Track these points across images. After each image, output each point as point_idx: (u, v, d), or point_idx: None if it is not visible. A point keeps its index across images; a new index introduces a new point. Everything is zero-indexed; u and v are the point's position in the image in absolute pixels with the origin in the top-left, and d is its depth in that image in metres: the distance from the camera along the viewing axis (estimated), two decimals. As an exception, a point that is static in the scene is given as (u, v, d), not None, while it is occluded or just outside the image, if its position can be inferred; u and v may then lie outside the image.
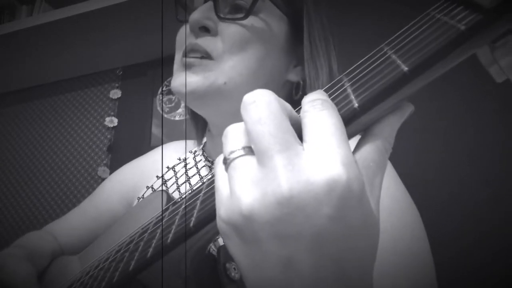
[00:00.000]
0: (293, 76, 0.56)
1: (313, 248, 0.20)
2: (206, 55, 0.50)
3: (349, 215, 0.20)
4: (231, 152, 0.23)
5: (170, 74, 0.54)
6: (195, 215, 0.28)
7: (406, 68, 0.20)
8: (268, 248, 0.21)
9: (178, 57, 0.54)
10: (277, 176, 0.20)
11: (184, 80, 0.50)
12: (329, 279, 0.21)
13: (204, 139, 0.67)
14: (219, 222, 0.23)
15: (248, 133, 0.22)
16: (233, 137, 0.24)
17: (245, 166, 0.22)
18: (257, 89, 0.23)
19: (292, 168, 0.20)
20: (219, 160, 0.25)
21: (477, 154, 1.10)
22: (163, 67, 1.60)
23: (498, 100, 1.08)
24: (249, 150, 0.23)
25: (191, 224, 0.27)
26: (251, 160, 0.22)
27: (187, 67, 0.50)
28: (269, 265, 0.21)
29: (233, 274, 0.33)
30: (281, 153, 0.21)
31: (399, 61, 0.21)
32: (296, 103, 0.57)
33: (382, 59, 0.23)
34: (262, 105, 0.22)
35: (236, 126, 0.24)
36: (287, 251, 0.21)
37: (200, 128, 0.67)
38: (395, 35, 0.23)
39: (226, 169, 0.23)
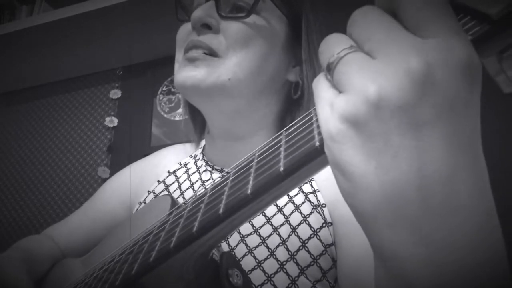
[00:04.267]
0: (292, 76, 0.57)
1: (448, 133, 0.18)
2: (210, 52, 0.50)
3: (476, 90, 0.18)
4: (339, 52, 0.20)
5: (170, 74, 0.54)
6: (198, 219, 0.27)
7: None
8: (399, 142, 0.18)
9: (179, 55, 0.54)
10: (407, 52, 0.18)
11: (188, 74, 0.50)
12: (466, 168, 0.18)
13: (203, 142, 0.67)
14: (329, 126, 0.20)
15: (363, 29, 0.20)
16: (334, 41, 0.21)
17: (360, 58, 0.19)
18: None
19: (419, 47, 0.18)
20: (320, 81, 0.22)
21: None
22: (163, 68, 1.59)
23: (500, 107, 1.08)
24: (357, 48, 0.20)
25: (194, 230, 0.27)
26: (363, 54, 0.20)
27: (190, 61, 0.50)
28: (400, 163, 0.18)
29: (235, 280, 0.32)
30: (404, 31, 0.19)
31: None
32: (295, 102, 0.58)
33: None
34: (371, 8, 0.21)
35: (331, 35, 0.22)
36: (422, 141, 0.18)
37: (198, 128, 0.66)
38: None
39: (333, 72, 0.20)
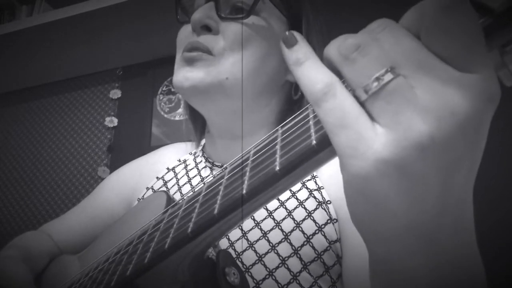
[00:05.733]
0: (292, 77, 0.57)
1: (469, 168, 0.19)
2: (207, 52, 0.50)
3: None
4: (381, 75, 0.18)
5: (170, 74, 0.54)
6: (193, 220, 0.27)
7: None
8: (435, 181, 0.18)
9: (179, 56, 0.54)
10: (450, 88, 0.17)
11: (186, 75, 0.50)
12: (468, 200, 0.21)
13: (203, 141, 0.67)
14: (366, 163, 0.18)
15: (393, 48, 0.18)
16: (372, 56, 0.18)
17: (406, 87, 0.17)
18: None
19: (459, 81, 0.17)
20: (347, 103, 0.19)
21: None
22: (163, 68, 1.59)
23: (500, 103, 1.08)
24: (397, 72, 0.18)
25: (188, 231, 0.26)
26: (407, 83, 0.18)
27: (188, 62, 0.51)
28: (428, 199, 0.19)
29: (232, 278, 0.32)
30: (443, 66, 0.17)
31: None
32: (295, 103, 0.58)
33: None
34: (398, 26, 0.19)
35: (354, 39, 0.19)
36: (450, 177, 0.18)
37: (198, 129, 0.67)
38: None
39: (372, 97, 0.18)
